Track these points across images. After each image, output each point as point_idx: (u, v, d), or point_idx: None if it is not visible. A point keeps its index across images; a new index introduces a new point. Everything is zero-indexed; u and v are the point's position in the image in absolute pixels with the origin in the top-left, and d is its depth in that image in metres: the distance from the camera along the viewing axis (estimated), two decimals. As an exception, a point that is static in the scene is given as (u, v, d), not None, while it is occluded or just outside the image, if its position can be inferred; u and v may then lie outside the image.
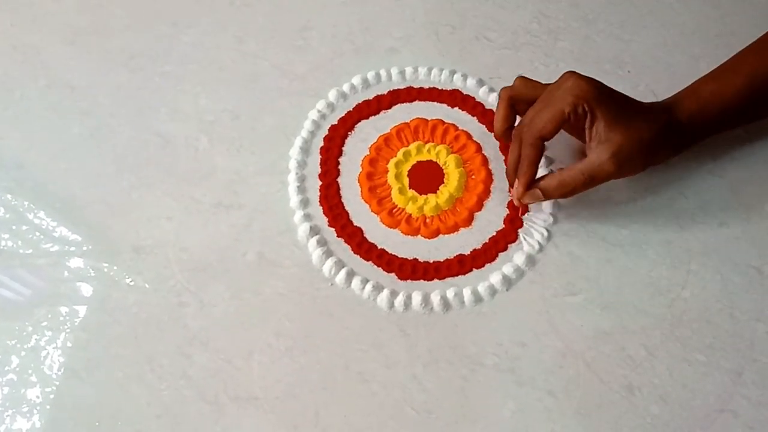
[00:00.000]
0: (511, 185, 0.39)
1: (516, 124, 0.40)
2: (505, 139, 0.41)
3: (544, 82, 0.39)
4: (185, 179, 0.43)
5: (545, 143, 0.38)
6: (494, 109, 0.45)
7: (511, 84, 0.40)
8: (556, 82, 0.38)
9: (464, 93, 0.46)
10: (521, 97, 0.39)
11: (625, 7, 0.49)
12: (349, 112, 0.45)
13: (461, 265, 0.40)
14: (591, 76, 0.37)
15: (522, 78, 0.40)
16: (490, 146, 0.44)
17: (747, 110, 0.38)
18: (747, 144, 0.43)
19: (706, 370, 0.36)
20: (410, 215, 0.41)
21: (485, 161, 0.43)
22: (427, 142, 0.44)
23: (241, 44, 0.49)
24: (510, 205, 0.42)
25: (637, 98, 0.40)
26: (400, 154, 0.44)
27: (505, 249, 0.40)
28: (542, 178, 0.38)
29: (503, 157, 0.43)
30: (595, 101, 0.36)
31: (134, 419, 0.35)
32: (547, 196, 0.38)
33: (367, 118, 0.45)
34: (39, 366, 0.37)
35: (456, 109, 0.46)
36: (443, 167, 0.43)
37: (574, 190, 0.37)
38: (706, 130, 0.39)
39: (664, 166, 0.42)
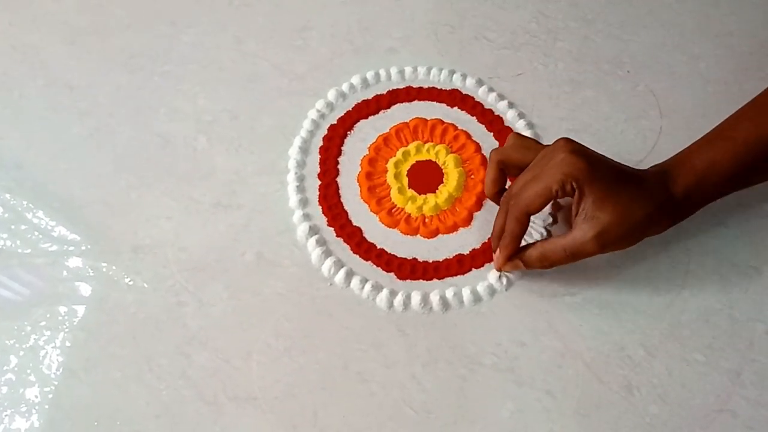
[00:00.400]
0: (494, 251, 0.38)
1: (506, 187, 0.39)
2: (495, 202, 0.39)
3: (537, 143, 0.38)
4: (184, 179, 0.43)
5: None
6: (494, 109, 0.45)
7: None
8: (549, 147, 0.36)
9: (463, 93, 0.46)
10: (511, 162, 0.38)
11: (624, 7, 0.49)
12: (348, 111, 0.45)
13: (460, 265, 0.40)
14: (584, 147, 0.36)
15: (515, 137, 0.39)
16: (490, 146, 0.44)
17: (744, 178, 0.37)
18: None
19: (705, 370, 0.36)
20: (409, 215, 0.41)
21: (484, 161, 0.43)
22: (426, 142, 0.44)
23: (241, 44, 0.49)
24: (509, 205, 0.42)
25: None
26: (399, 154, 0.44)
27: (504, 249, 0.40)
28: (525, 248, 0.37)
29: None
30: (585, 179, 0.35)
31: (133, 419, 0.35)
32: (528, 267, 0.37)
33: (366, 117, 0.45)
34: (38, 366, 0.37)
35: (455, 108, 0.46)
36: (442, 167, 0.43)
37: (556, 264, 0.37)
38: (701, 201, 0.37)
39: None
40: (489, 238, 0.40)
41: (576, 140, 0.36)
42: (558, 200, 0.40)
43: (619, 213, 0.35)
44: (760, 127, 0.36)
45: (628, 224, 0.35)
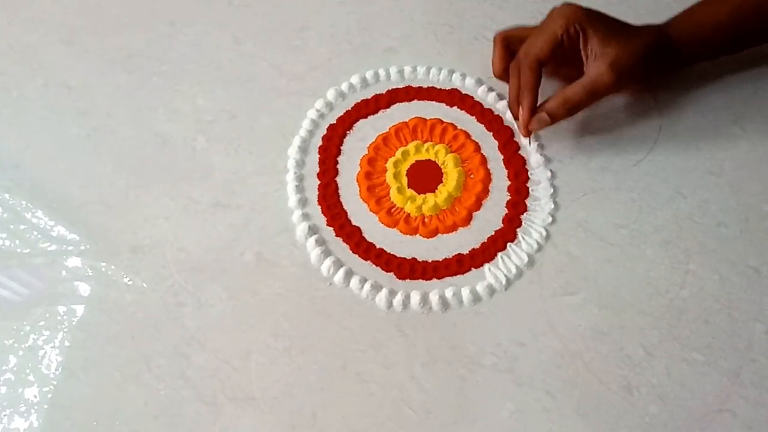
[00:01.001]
0: (516, 116, 0.41)
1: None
2: (504, 80, 0.43)
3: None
4: (183, 179, 0.43)
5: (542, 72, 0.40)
6: (493, 109, 0.45)
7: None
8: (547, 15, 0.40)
9: (463, 92, 0.46)
10: (515, 36, 0.42)
11: (623, 8, 0.49)
12: (347, 111, 0.45)
13: (460, 265, 0.40)
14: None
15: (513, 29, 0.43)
16: (489, 145, 0.44)
17: (737, 35, 0.41)
18: (746, 143, 0.43)
19: (704, 370, 0.36)
20: (409, 215, 0.41)
21: (484, 160, 0.43)
22: (425, 142, 0.44)
23: (239, 44, 0.48)
24: (509, 204, 0.42)
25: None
26: (398, 154, 0.44)
27: (503, 248, 0.40)
28: (545, 101, 0.40)
29: (502, 157, 0.43)
30: (586, 20, 0.38)
31: (131, 419, 0.35)
32: (553, 117, 0.40)
33: (365, 117, 0.45)
34: (37, 365, 0.37)
35: (454, 108, 0.45)
36: (442, 166, 0.43)
37: (578, 105, 0.39)
38: (697, 50, 0.41)
39: (661, 166, 0.42)
40: (508, 105, 0.43)
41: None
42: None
43: (624, 44, 0.38)
44: None
45: (635, 54, 0.39)
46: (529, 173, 0.43)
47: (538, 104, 0.40)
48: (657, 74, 0.41)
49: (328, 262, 0.39)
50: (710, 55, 0.42)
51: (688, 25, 0.40)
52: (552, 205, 0.41)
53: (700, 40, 0.40)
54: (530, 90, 0.39)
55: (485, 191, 0.42)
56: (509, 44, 0.42)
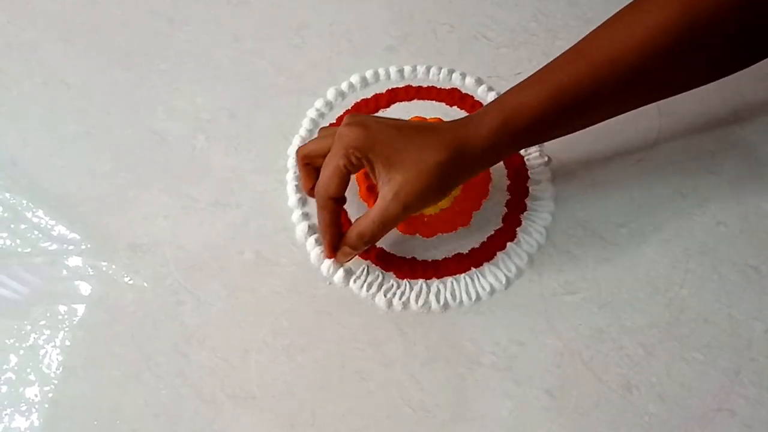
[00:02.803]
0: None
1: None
2: (311, 195, 0.39)
3: (336, 129, 0.37)
4: (182, 177, 0.43)
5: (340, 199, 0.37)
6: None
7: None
8: None
9: (463, 92, 0.46)
10: (314, 154, 0.38)
11: (623, 6, 0.49)
12: (347, 110, 0.45)
13: (460, 264, 0.40)
14: (367, 116, 0.36)
15: (320, 130, 0.39)
16: (489, 145, 0.44)
17: (551, 124, 0.36)
18: (746, 142, 0.43)
19: (703, 369, 0.36)
20: (408, 214, 0.41)
21: (483, 160, 0.43)
22: (425, 141, 0.44)
23: (238, 42, 0.48)
24: (508, 203, 0.42)
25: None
26: (398, 153, 0.43)
27: (503, 248, 0.40)
28: (346, 234, 0.37)
29: (501, 156, 0.43)
30: (365, 147, 0.34)
31: (132, 418, 0.35)
32: (355, 249, 0.37)
33: (365, 116, 0.45)
34: (38, 365, 0.37)
35: (455, 107, 0.45)
36: (441, 166, 0.43)
37: (374, 237, 0.36)
38: (509, 143, 0.35)
39: (662, 164, 0.42)
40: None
41: (370, 117, 0.36)
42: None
43: (409, 167, 0.34)
44: (571, 73, 0.34)
45: (422, 176, 0.34)
46: (528, 173, 0.43)
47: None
48: (460, 181, 0.36)
49: (328, 261, 0.39)
50: (521, 145, 0.37)
51: (500, 117, 0.34)
52: (552, 205, 0.41)
53: (512, 133, 0.35)
54: (326, 228, 0.37)
55: (485, 191, 0.42)
56: (310, 162, 0.38)
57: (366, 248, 0.38)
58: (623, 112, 0.37)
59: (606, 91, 0.34)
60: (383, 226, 0.35)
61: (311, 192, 0.39)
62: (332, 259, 0.39)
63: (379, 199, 0.35)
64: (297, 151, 0.39)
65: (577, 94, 0.34)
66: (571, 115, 0.36)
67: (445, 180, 0.35)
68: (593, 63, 0.34)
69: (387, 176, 0.34)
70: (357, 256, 0.40)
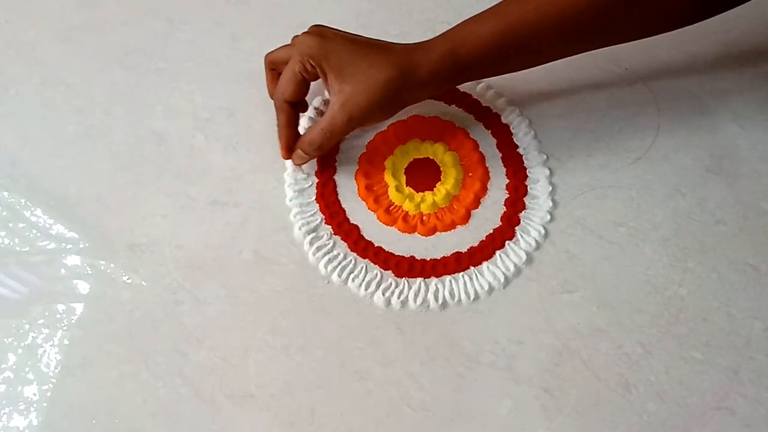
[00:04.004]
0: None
1: None
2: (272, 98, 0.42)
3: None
4: (180, 177, 0.43)
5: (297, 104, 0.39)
6: (491, 107, 0.45)
7: None
8: None
9: (461, 90, 0.46)
10: (278, 60, 0.41)
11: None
12: (345, 109, 0.45)
13: (458, 263, 0.40)
14: (328, 27, 0.38)
15: (293, 38, 0.40)
16: (487, 144, 0.44)
17: (497, 58, 0.37)
18: (744, 141, 0.43)
19: (702, 368, 0.36)
20: (407, 213, 0.41)
21: (482, 159, 0.43)
22: (424, 140, 0.44)
23: (237, 41, 0.48)
24: (507, 202, 0.42)
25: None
26: (397, 152, 0.43)
27: (502, 247, 0.40)
28: (301, 137, 0.40)
29: (500, 155, 0.43)
30: (320, 56, 0.36)
31: (130, 417, 0.35)
32: (308, 155, 0.40)
33: (363, 115, 0.45)
34: (36, 363, 0.37)
35: (453, 106, 0.45)
36: (440, 165, 0.43)
37: (322, 145, 0.39)
38: (454, 72, 0.37)
39: (660, 164, 0.42)
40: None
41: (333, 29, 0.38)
42: None
43: (359, 80, 0.36)
44: (521, 11, 0.36)
45: (369, 90, 0.36)
46: (527, 171, 0.43)
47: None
48: (405, 102, 0.38)
49: (325, 259, 0.39)
50: (467, 76, 0.39)
51: (450, 44, 0.37)
52: (550, 203, 0.41)
53: (460, 62, 0.37)
54: (282, 129, 0.40)
55: (483, 189, 0.42)
56: (275, 67, 0.41)
57: (317, 155, 0.40)
58: (571, 55, 0.39)
59: (549, 33, 0.36)
60: (330, 134, 0.38)
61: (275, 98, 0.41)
62: (285, 159, 0.41)
63: (328, 109, 0.38)
64: (265, 57, 0.42)
65: (522, 32, 0.36)
66: (515, 52, 0.37)
67: (391, 97, 0.37)
68: (539, 4, 0.36)
69: (338, 87, 0.37)
70: (357, 255, 0.40)
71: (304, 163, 0.41)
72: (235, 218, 0.41)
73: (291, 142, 0.40)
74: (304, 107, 0.41)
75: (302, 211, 0.41)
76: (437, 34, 0.38)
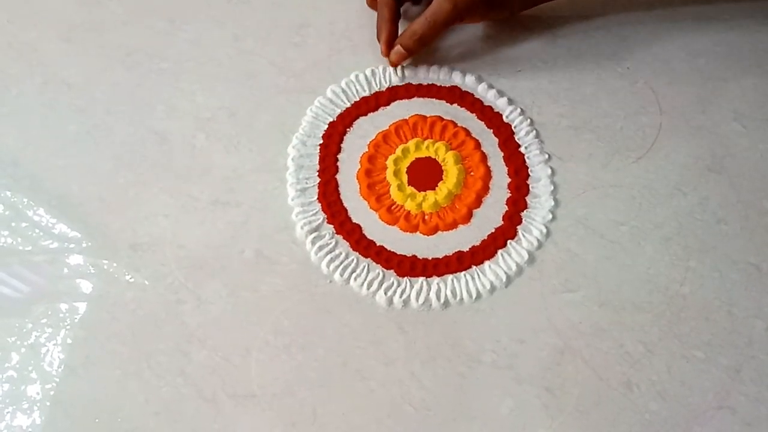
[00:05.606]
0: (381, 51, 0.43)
1: None
2: (374, 7, 0.44)
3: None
4: (182, 176, 0.43)
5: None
6: (493, 106, 0.45)
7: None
8: None
9: (463, 89, 0.46)
10: None
11: (623, 4, 0.49)
12: (347, 108, 0.45)
13: (460, 262, 0.40)
14: None
15: None
16: (489, 143, 0.44)
17: None
18: (746, 140, 0.43)
19: (704, 367, 0.36)
20: (409, 212, 0.41)
21: (484, 158, 0.43)
22: (425, 139, 0.44)
23: (239, 41, 0.48)
24: (509, 201, 0.42)
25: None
26: (398, 151, 0.43)
27: (503, 246, 0.40)
28: (401, 34, 0.41)
29: (502, 154, 0.43)
30: None
31: (132, 416, 0.36)
32: (407, 50, 0.41)
33: (365, 115, 0.45)
34: (39, 363, 0.37)
35: (455, 105, 0.45)
36: (442, 164, 0.43)
37: (425, 37, 0.40)
38: None
39: (662, 163, 0.42)
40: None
41: None
42: None
43: None
44: None
45: None
46: (529, 170, 0.43)
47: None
48: (500, 11, 0.42)
49: (326, 259, 0.39)
50: None
51: None
52: (552, 203, 0.41)
53: None
54: (383, 23, 0.41)
55: (485, 188, 0.42)
56: None
57: (416, 48, 0.41)
58: None
59: None
60: (434, 23, 0.40)
61: (372, 3, 0.44)
62: (384, 57, 0.42)
63: (433, 1, 0.40)
64: None
65: None
66: None
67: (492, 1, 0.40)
68: None
69: None
70: (359, 255, 0.40)
71: (400, 63, 0.42)
72: (236, 218, 0.41)
73: (392, 37, 0.41)
74: (402, 2, 0.42)
75: (304, 211, 0.41)
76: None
